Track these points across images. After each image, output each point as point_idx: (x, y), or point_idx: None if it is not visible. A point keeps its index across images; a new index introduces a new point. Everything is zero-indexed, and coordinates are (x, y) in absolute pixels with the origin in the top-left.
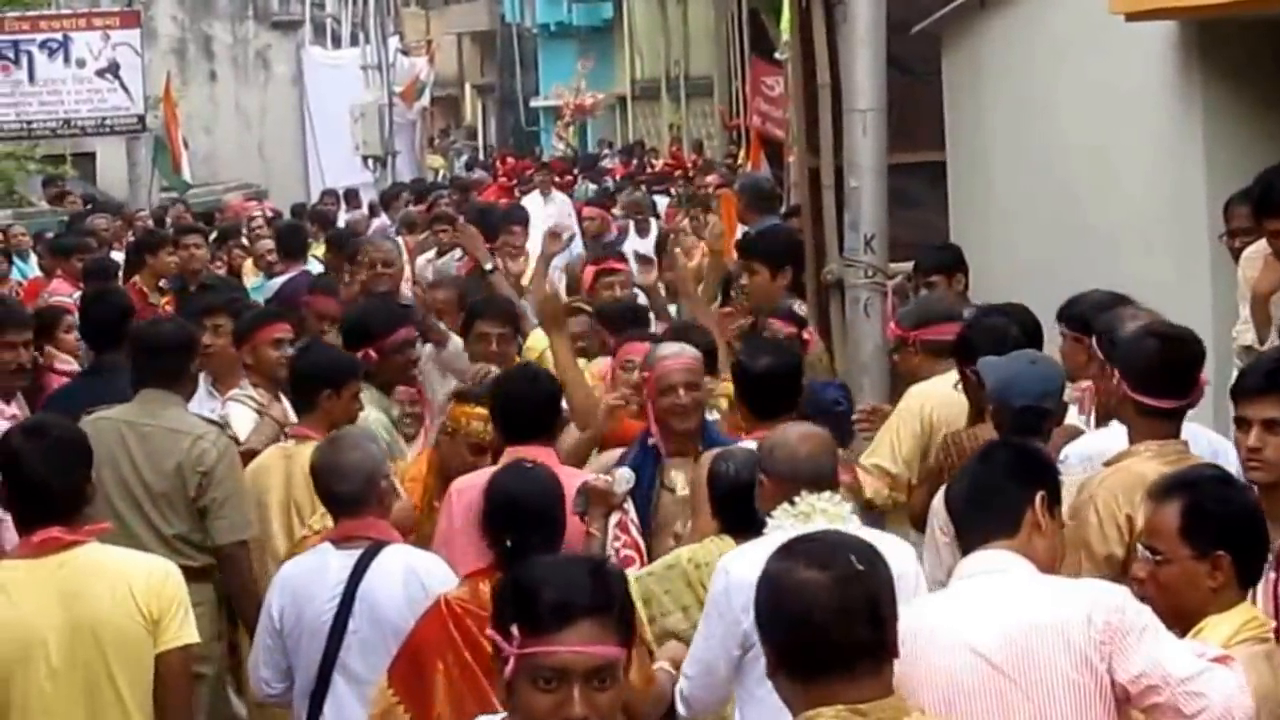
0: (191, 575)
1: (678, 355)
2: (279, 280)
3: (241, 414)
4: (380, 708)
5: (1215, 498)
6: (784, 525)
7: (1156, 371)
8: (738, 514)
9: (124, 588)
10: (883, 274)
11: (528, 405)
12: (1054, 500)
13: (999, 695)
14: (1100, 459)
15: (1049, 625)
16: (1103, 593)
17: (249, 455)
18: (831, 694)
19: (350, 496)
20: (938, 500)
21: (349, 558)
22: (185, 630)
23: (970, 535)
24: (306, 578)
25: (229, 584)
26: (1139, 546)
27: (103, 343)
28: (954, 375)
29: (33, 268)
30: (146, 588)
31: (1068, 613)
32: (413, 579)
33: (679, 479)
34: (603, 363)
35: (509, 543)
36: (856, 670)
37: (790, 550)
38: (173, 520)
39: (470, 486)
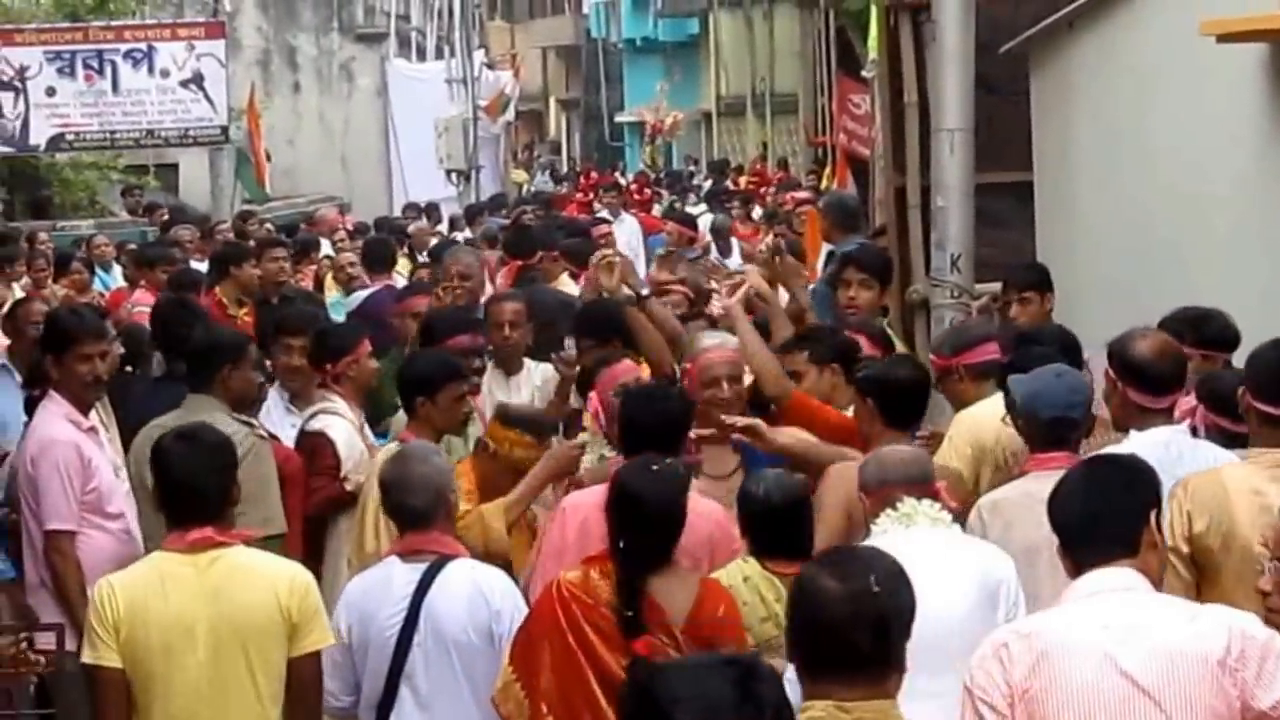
0: None
1: (720, 347)
2: (362, 294)
3: (342, 427)
4: (501, 681)
5: None
6: (887, 529)
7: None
8: (768, 537)
9: (270, 591)
10: (968, 294)
11: (651, 423)
12: (1159, 514)
13: (1143, 716)
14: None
15: (1192, 651)
16: (1236, 618)
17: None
18: (828, 692)
19: (420, 510)
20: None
21: (414, 571)
22: (323, 635)
23: (1085, 552)
24: (372, 592)
25: None
26: (1265, 560)
27: (176, 351)
28: (1000, 398)
29: (115, 278)
30: (290, 592)
31: (1207, 637)
32: (477, 594)
33: (714, 465)
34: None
35: (622, 543)
36: (855, 676)
37: (824, 559)
38: None
39: (584, 504)
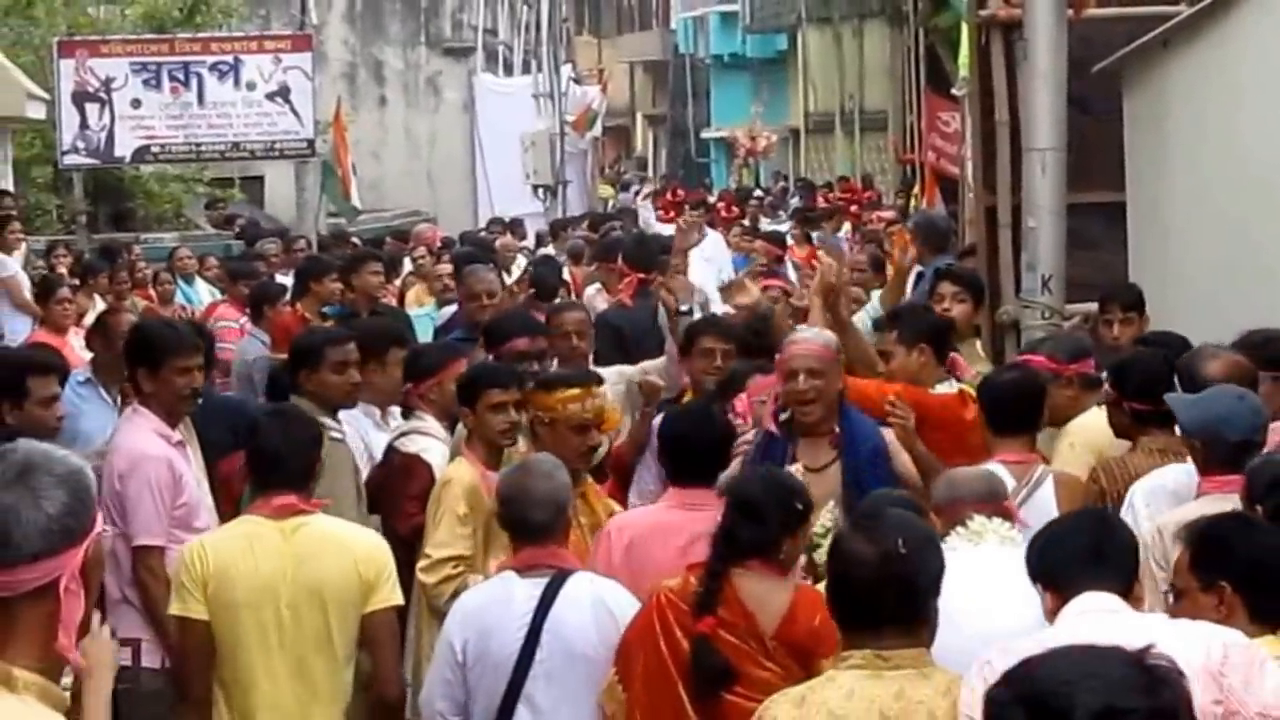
0: None
1: (807, 341)
2: (450, 309)
3: (439, 452)
4: (607, 682)
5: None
6: (956, 546)
7: None
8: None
9: (348, 556)
10: (1059, 315)
11: (696, 446)
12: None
13: None
14: (1163, 495)
15: (1180, 659)
16: (1220, 630)
17: None
18: (864, 643)
19: (541, 525)
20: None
21: (535, 587)
22: (394, 593)
23: (1080, 581)
24: (491, 608)
25: None
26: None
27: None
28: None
29: (196, 291)
30: (365, 556)
31: (1195, 646)
32: (600, 607)
33: (810, 457)
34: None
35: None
36: (883, 631)
37: (858, 525)
38: None
39: (631, 525)
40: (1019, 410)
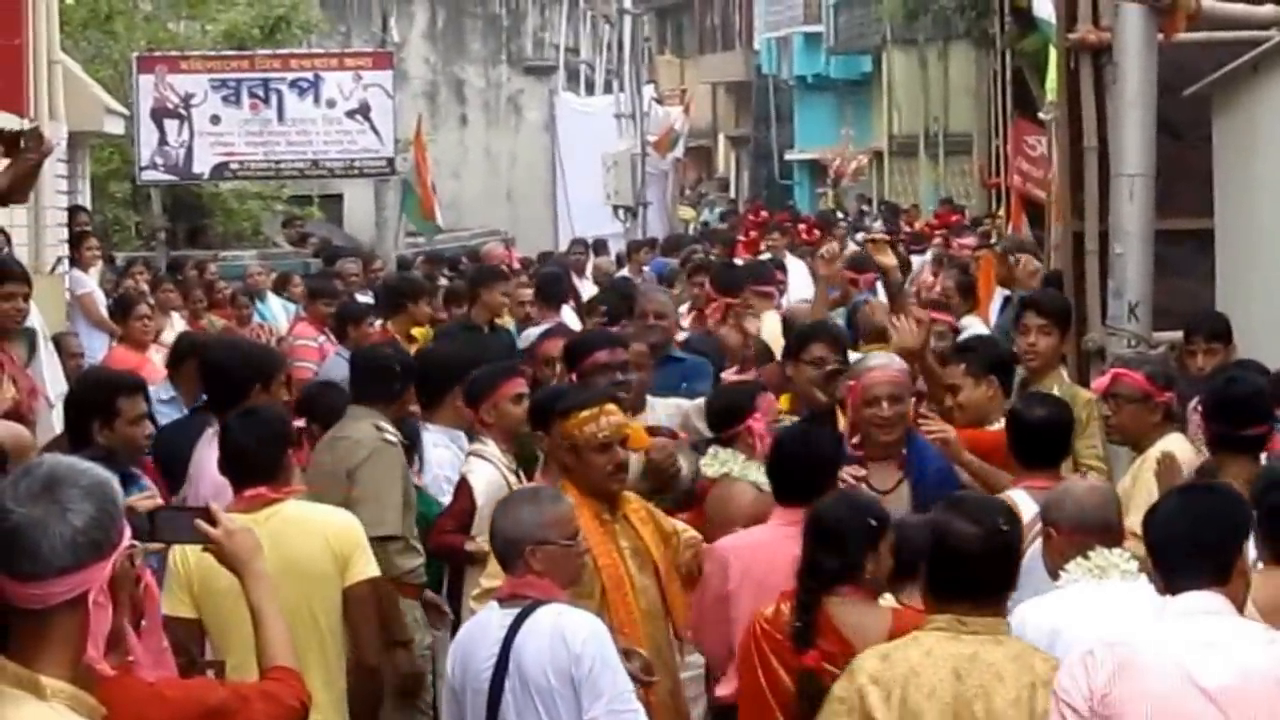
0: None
1: (885, 367)
2: (534, 331)
3: (484, 473)
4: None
5: None
6: (1078, 579)
7: None
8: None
9: (319, 534)
10: (1146, 343)
11: (801, 467)
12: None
13: None
14: None
15: (1266, 669)
16: None
17: None
18: (948, 610)
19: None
20: None
21: (508, 616)
22: (370, 567)
23: (1181, 574)
24: (472, 636)
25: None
26: None
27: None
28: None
29: (270, 309)
30: (336, 533)
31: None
32: (557, 638)
33: (880, 479)
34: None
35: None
36: (981, 599)
37: (952, 507)
38: None
39: (746, 546)
40: (1047, 445)
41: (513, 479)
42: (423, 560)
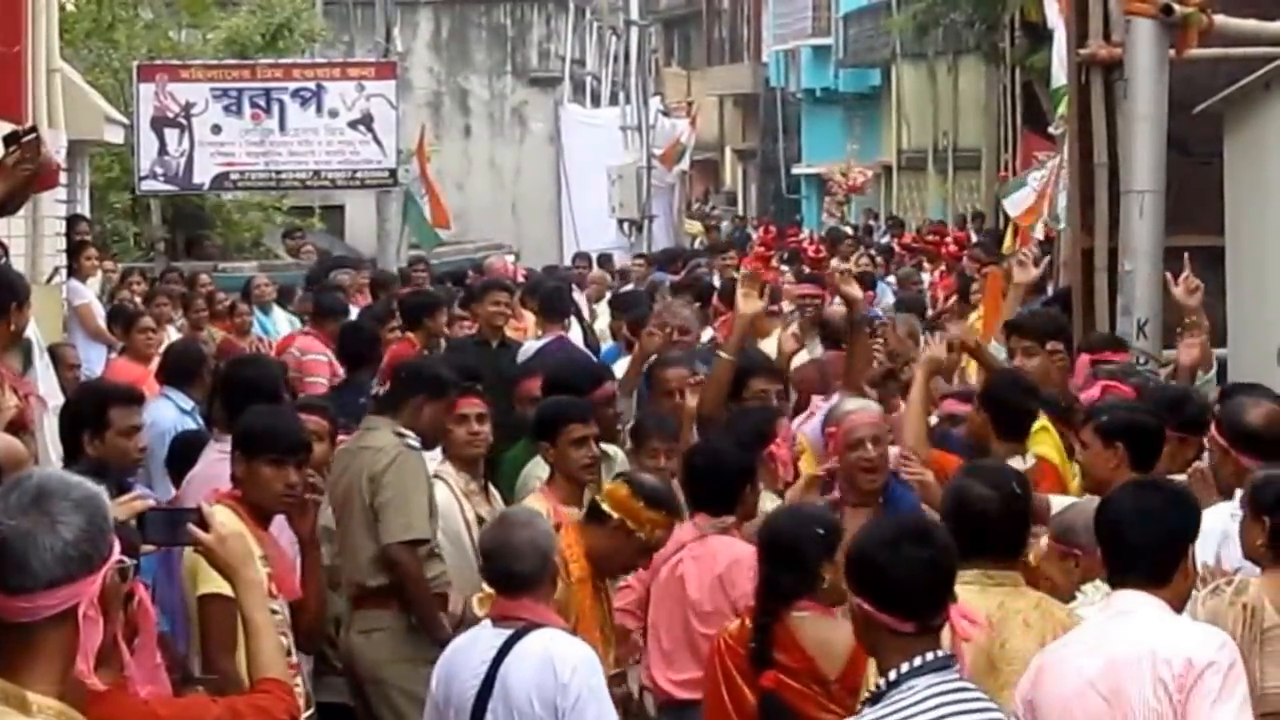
0: (374, 596)
1: (863, 410)
2: (534, 345)
3: (438, 493)
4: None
5: None
6: (1094, 600)
7: None
8: None
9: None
10: (1156, 360)
11: (712, 478)
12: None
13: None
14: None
15: (1126, 654)
16: (1205, 635)
17: None
18: (973, 565)
19: (524, 576)
20: None
21: (498, 638)
22: (210, 583)
23: (1122, 573)
24: (457, 655)
25: (399, 588)
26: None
27: (352, 364)
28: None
29: (272, 321)
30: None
31: (1163, 646)
32: (546, 664)
33: (857, 525)
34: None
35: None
36: (999, 556)
37: (970, 473)
38: (366, 534)
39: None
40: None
41: (466, 503)
42: (445, 568)
